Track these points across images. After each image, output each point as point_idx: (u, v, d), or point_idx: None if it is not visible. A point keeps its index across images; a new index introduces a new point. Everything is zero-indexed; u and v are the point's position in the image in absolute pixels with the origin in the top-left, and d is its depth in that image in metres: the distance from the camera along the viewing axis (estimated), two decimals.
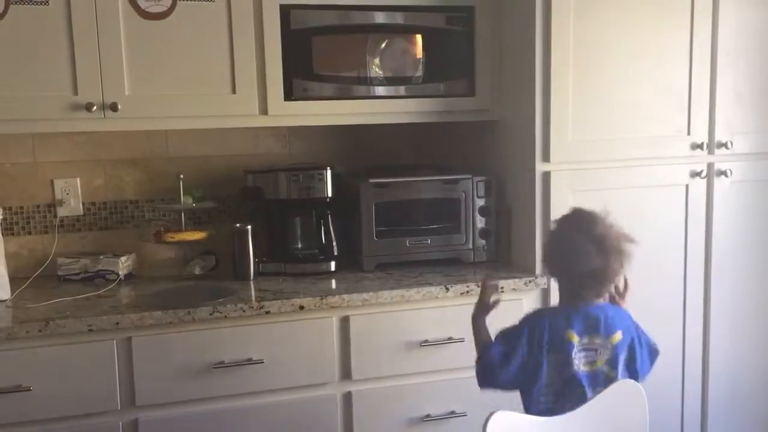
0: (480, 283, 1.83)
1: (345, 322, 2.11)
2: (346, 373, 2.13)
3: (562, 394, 1.63)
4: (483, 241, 2.43)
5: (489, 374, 1.68)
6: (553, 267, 1.72)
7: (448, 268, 2.36)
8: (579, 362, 1.63)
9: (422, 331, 2.16)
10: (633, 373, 1.69)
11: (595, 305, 1.66)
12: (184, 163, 2.49)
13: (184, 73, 2.16)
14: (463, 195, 2.40)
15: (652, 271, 2.34)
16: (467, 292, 2.17)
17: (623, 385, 1.62)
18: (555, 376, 1.63)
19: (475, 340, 1.76)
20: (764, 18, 2.36)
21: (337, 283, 2.25)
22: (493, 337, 1.73)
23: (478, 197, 2.41)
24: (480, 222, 2.42)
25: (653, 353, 1.76)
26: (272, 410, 2.08)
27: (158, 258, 2.49)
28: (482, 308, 1.78)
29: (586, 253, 1.60)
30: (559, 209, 2.21)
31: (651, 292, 2.34)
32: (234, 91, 2.20)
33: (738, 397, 2.49)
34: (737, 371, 2.48)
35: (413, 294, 2.14)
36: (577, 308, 1.65)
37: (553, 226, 1.76)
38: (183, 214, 2.44)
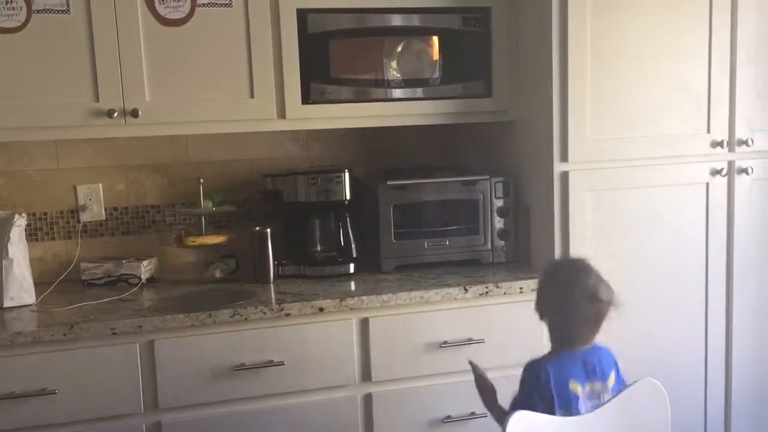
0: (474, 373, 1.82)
1: (364, 323, 2.12)
2: (366, 375, 2.14)
3: None
4: (502, 242, 2.42)
5: None
6: (545, 313, 1.72)
7: (467, 269, 2.36)
8: (585, 413, 1.61)
9: (442, 333, 2.16)
10: None
11: (588, 348, 1.67)
12: (204, 168, 2.52)
13: (203, 79, 2.18)
14: (481, 196, 2.40)
15: (673, 271, 2.33)
16: (486, 293, 2.17)
17: (645, 385, 1.62)
18: None
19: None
20: None
21: (356, 285, 2.26)
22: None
23: (497, 198, 2.41)
24: (498, 223, 2.42)
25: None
26: (293, 412, 2.09)
27: (179, 262, 2.52)
28: (484, 390, 1.77)
29: (578, 303, 1.64)
30: (577, 209, 2.22)
31: (672, 292, 2.34)
32: (252, 96, 2.22)
33: (762, 399, 2.46)
34: (761, 372, 2.45)
35: (432, 295, 2.14)
36: (573, 353, 1.66)
37: (544, 275, 1.77)
38: (203, 218, 2.46)
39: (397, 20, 2.31)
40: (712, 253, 2.37)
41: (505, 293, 2.18)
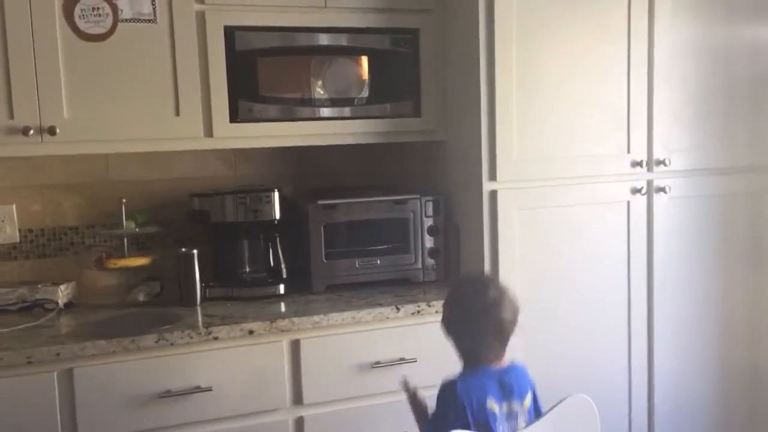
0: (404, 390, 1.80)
1: (295, 345, 2.08)
2: (297, 398, 2.10)
3: None
4: (432, 261, 2.43)
5: None
6: (452, 332, 1.71)
7: (398, 288, 2.35)
8: None
9: (374, 353, 2.15)
10: None
11: (504, 368, 1.66)
12: (127, 187, 2.43)
13: (125, 96, 2.11)
14: (412, 215, 2.40)
15: (597, 288, 2.39)
16: (418, 312, 2.17)
17: (576, 401, 1.64)
18: None
19: None
20: (697, 38, 2.44)
21: (286, 306, 2.22)
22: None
23: (427, 217, 2.42)
24: (429, 241, 2.43)
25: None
26: None
27: (100, 285, 2.40)
28: (416, 407, 1.76)
29: (479, 318, 1.63)
30: (506, 227, 2.25)
31: (596, 308, 2.39)
32: (178, 114, 2.16)
33: (683, 410, 2.53)
34: (682, 385, 2.53)
35: (364, 315, 2.12)
36: (488, 372, 1.64)
37: (449, 291, 1.77)
38: (126, 240, 2.37)
39: (325, 39, 2.30)
40: (634, 269, 2.44)
41: (436, 312, 2.18)
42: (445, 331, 1.71)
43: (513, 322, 1.64)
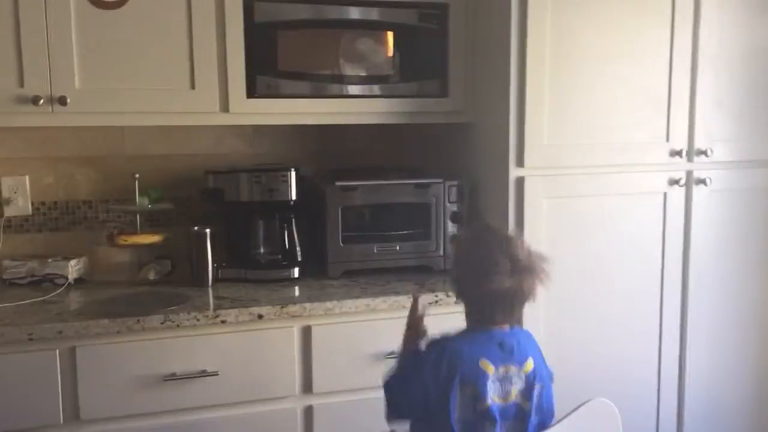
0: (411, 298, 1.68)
1: (306, 332, 2.01)
2: (307, 386, 2.03)
3: (473, 428, 1.49)
4: None
5: (388, 406, 1.58)
6: (463, 283, 1.57)
7: (417, 275, 2.26)
8: (493, 394, 1.49)
9: (388, 343, 2.04)
10: (545, 403, 1.56)
11: (507, 331, 1.54)
12: (142, 162, 2.37)
13: (139, 66, 2.04)
14: (434, 200, 2.30)
15: (628, 282, 2.27)
16: (436, 301, 2.07)
17: (596, 405, 1.53)
18: (466, 409, 1.48)
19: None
20: (746, 24, 2.29)
21: (299, 291, 2.14)
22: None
23: (450, 202, 2.31)
24: (451, 228, 2.32)
25: (551, 379, 1.62)
26: (227, 425, 1.96)
27: (111, 262, 2.36)
28: (414, 331, 1.63)
29: (501, 270, 1.47)
30: (532, 215, 2.15)
31: (627, 302, 2.28)
32: (193, 87, 2.09)
33: (716, 413, 2.42)
34: (715, 385, 2.41)
35: (379, 303, 2.04)
36: (490, 334, 1.52)
37: (465, 239, 1.64)
38: (138, 216, 2.31)
39: (348, 13, 2.20)
40: (668, 264, 2.31)
41: (456, 302, 2.07)
42: (455, 290, 1.59)
43: (532, 284, 1.49)
